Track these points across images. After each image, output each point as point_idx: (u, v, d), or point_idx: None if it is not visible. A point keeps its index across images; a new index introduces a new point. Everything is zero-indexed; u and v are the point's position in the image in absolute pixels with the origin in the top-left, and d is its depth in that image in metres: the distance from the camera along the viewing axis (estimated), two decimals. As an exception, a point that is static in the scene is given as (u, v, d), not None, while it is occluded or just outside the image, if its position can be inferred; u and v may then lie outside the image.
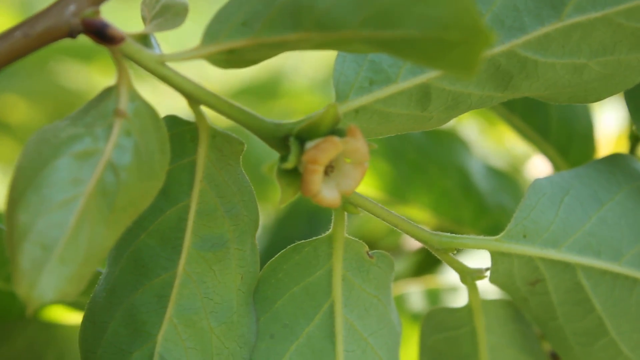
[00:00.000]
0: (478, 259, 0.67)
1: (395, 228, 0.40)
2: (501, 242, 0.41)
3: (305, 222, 0.77)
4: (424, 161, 0.62)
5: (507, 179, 0.64)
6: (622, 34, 0.38)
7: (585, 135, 0.58)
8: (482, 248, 0.41)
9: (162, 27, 0.38)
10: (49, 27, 0.36)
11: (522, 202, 0.41)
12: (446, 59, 0.30)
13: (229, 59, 0.36)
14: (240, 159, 0.39)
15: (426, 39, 0.30)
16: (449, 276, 0.72)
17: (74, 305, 0.58)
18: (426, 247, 0.42)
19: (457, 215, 0.62)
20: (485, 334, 0.43)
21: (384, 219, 0.40)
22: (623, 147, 0.88)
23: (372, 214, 0.40)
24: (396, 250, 0.80)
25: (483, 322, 0.43)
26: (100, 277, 0.39)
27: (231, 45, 0.35)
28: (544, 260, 0.40)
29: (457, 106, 0.39)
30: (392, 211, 0.40)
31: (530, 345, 0.44)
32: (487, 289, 0.45)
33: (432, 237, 0.41)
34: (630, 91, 0.42)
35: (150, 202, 0.36)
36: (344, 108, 0.38)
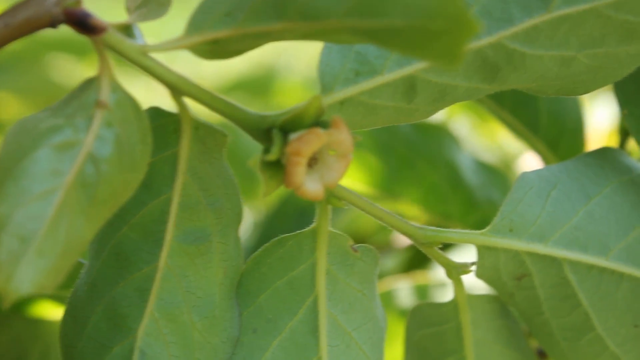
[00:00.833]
0: (467, 254, 0.67)
1: (380, 222, 0.40)
2: (487, 236, 0.40)
3: (295, 219, 0.77)
4: (413, 156, 0.62)
5: (497, 174, 0.64)
6: (611, 26, 0.38)
7: (575, 130, 0.57)
8: (468, 242, 0.40)
9: (145, 17, 0.37)
10: (30, 17, 0.35)
11: (509, 195, 0.40)
12: (430, 49, 0.30)
13: (213, 50, 0.36)
14: (224, 152, 0.39)
15: (411, 28, 0.29)
16: (438, 272, 0.72)
17: (60, 300, 0.57)
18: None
19: (446, 210, 0.62)
20: (471, 330, 0.43)
21: (368, 213, 0.40)
22: (614, 143, 0.88)
23: (357, 207, 0.40)
24: (386, 247, 0.79)
25: (469, 318, 0.42)
26: (81, 271, 0.39)
27: (215, 35, 0.35)
28: (530, 254, 0.40)
29: (444, 98, 0.39)
30: (378, 205, 0.39)
31: (517, 341, 0.44)
32: (475, 284, 0.44)
33: (418, 231, 0.40)
34: (620, 83, 0.41)
35: (132, 194, 0.35)
36: (329, 100, 0.38)
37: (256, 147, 0.38)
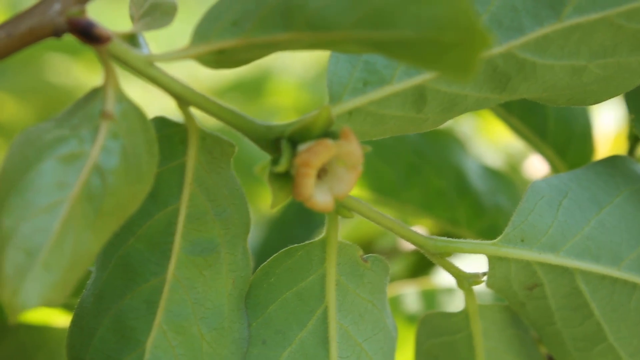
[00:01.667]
0: (473, 260, 0.66)
1: (390, 232, 0.40)
2: (498, 247, 0.40)
3: (299, 219, 0.76)
4: (419, 161, 0.61)
5: (504, 179, 0.63)
6: (623, 36, 0.37)
7: (583, 136, 0.57)
8: (479, 253, 0.40)
9: (150, 26, 0.37)
10: (33, 27, 0.35)
11: (520, 205, 0.40)
12: (442, 61, 0.29)
13: (219, 59, 0.35)
14: (231, 162, 0.38)
15: (422, 40, 0.29)
16: (445, 277, 0.71)
17: (66, 307, 0.57)
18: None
19: (453, 216, 0.62)
20: (482, 339, 0.42)
21: (378, 223, 0.39)
22: (620, 146, 0.87)
23: (366, 217, 0.39)
24: (392, 250, 0.79)
25: (480, 328, 0.42)
26: (87, 282, 0.38)
27: (221, 45, 0.35)
28: (542, 264, 0.40)
29: (453, 108, 0.39)
30: (387, 215, 0.39)
31: (528, 350, 0.43)
32: (481, 289, 0.44)
33: (428, 242, 0.40)
34: (631, 91, 0.41)
35: (138, 206, 0.35)
36: (338, 110, 0.38)
37: (257, 150, 0.37)
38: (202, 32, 0.35)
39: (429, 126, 0.39)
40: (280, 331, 0.39)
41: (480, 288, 0.43)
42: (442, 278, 0.75)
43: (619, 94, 0.40)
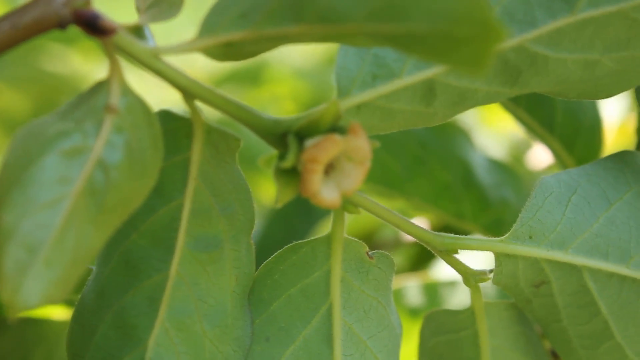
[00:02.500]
0: (476, 255, 0.66)
1: (396, 228, 0.39)
2: (506, 244, 0.39)
3: (301, 211, 0.76)
4: (425, 154, 0.61)
5: (510, 172, 0.63)
6: (637, 29, 0.37)
7: (591, 129, 0.56)
8: (487, 249, 0.39)
9: (156, 18, 0.36)
10: (38, 18, 0.34)
11: (529, 201, 0.39)
12: (455, 55, 0.28)
13: (227, 52, 0.35)
14: (237, 156, 0.38)
15: (434, 33, 0.28)
16: (446, 269, 0.71)
17: (66, 302, 0.56)
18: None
19: (458, 209, 0.61)
20: (488, 337, 0.42)
21: (384, 219, 0.39)
22: (624, 138, 0.87)
23: (373, 213, 0.39)
24: (393, 242, 0.78)
25: (486, 325, 0.41)
26: (88, 278, 0.38)
27: (229, 37, 0.34)
28: (549, 262, 0.39)
29: (463, 102, 0.38)
30: (395, 212, 0.38)
31: (534, 348, 0.43)
32: (484, 284, 0.43)
33: (435, 238, 0.39)
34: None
35: (142, 201, 0.34)
36: (346, 104, 0.37)
37: (257, 139, 0.37)
38: (209, 25, 0.34)
39: (438, 120, 0.39)
40: (284, 328, 0.38)
41: (484, 283, 0.42)
42: (444, 270, 0.74)
43: (631, 88, 0.39)
